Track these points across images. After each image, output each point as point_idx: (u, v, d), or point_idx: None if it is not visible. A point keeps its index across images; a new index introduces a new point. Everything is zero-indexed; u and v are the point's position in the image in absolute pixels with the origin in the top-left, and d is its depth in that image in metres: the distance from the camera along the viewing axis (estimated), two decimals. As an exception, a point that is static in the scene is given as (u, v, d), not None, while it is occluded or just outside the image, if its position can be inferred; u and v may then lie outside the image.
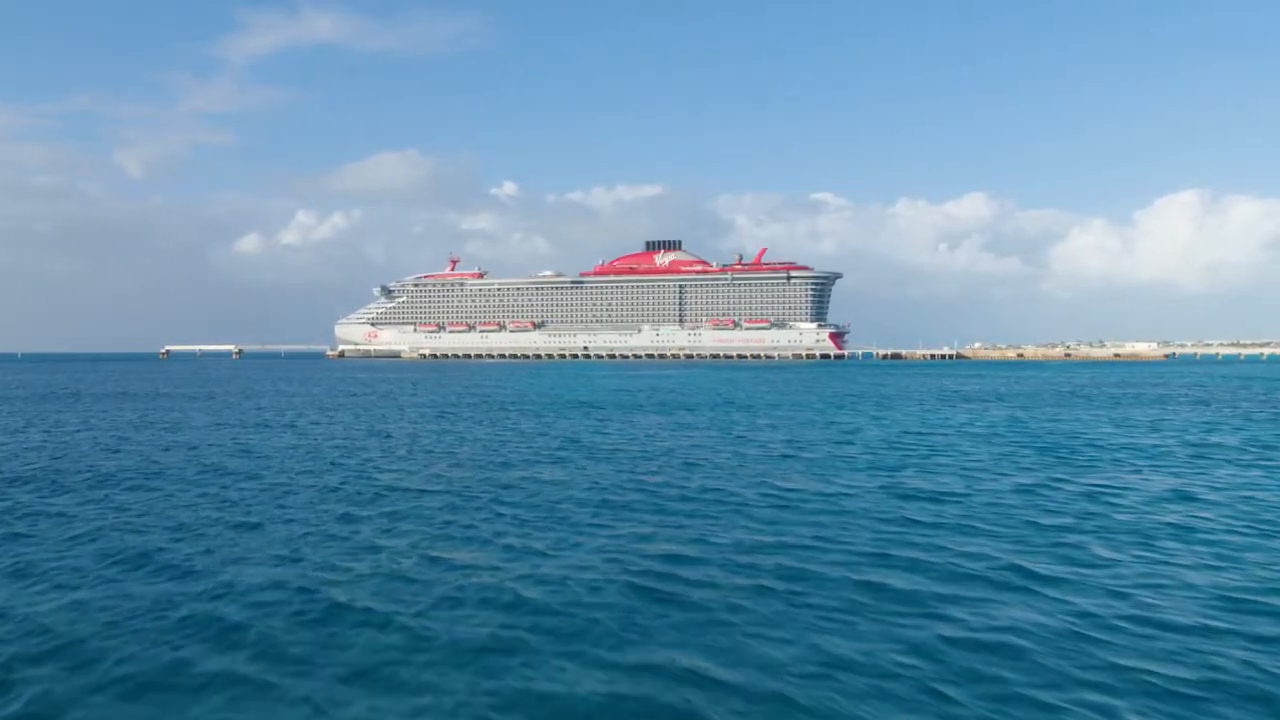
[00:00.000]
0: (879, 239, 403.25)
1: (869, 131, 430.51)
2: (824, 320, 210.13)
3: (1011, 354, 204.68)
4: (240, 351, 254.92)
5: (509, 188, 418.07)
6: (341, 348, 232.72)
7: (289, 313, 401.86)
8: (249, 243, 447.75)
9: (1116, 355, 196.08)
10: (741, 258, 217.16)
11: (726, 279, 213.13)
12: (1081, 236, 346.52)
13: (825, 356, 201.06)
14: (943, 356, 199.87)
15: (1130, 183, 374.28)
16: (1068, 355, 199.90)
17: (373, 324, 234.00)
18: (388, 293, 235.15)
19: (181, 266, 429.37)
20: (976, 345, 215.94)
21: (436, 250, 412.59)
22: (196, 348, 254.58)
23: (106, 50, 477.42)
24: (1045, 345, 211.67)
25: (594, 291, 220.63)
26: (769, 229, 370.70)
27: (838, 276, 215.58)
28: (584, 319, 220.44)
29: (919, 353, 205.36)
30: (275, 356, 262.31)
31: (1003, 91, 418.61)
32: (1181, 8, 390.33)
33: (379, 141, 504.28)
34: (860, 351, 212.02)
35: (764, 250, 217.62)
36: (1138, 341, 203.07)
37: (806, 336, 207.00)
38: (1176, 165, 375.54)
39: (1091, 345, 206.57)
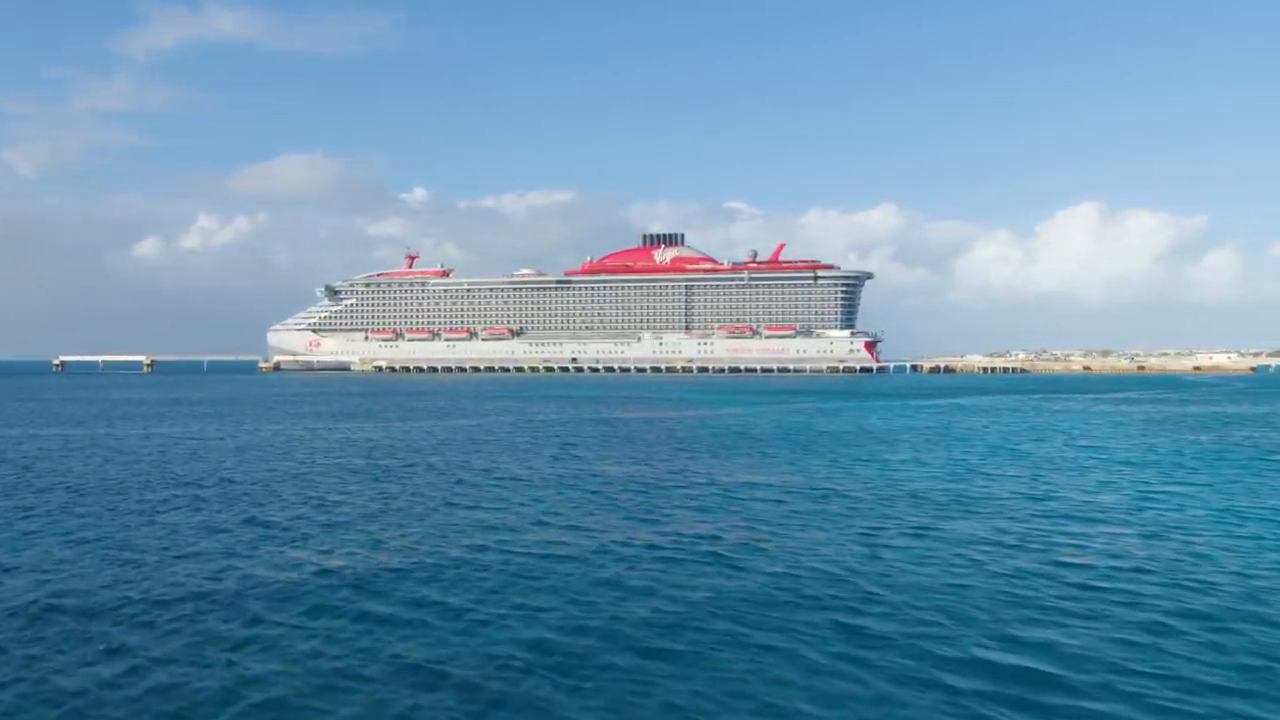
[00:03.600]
0: (790, 249, 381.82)
1: (783, 141, 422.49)
2: (854, 327, 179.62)
3: (1077, 366, 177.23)
4: (153, 363, 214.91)
5: (419, 193, 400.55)
6: (277, 359, 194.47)
7: (212, 320, 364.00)
8: (148, 246, 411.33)
9: (1197, 369, 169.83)
10: (756, 254, 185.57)
11: (741, 279, 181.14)
12: (986, 248, 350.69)
13: (866, 370, 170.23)
14: (1007, 370, 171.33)
15: (1032, 195, 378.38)
16: (1141, 369, 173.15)
17: (315, 330, 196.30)
18: (333, 294, 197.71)
19: (79, 271, 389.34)
20: (1024, 355, 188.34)
21: (346, 256, 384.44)
22: (99, 358, 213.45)
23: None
24: (1113, 355, 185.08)
25: (583, 293, 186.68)
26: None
27: (868, 276, 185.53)
28: (571, 325, 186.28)
29: (973, 364, 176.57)
30: (196, 369, 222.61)
31: (913, 105, 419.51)
32: (1077, 28, 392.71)
33: (284, 143, 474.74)
34: (895, 364, 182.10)
35: (782, 246, 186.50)
36: (1214, 351, 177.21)
37: (838, 346, 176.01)
38: (1076, 179, 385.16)
39: (1167, 356, 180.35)
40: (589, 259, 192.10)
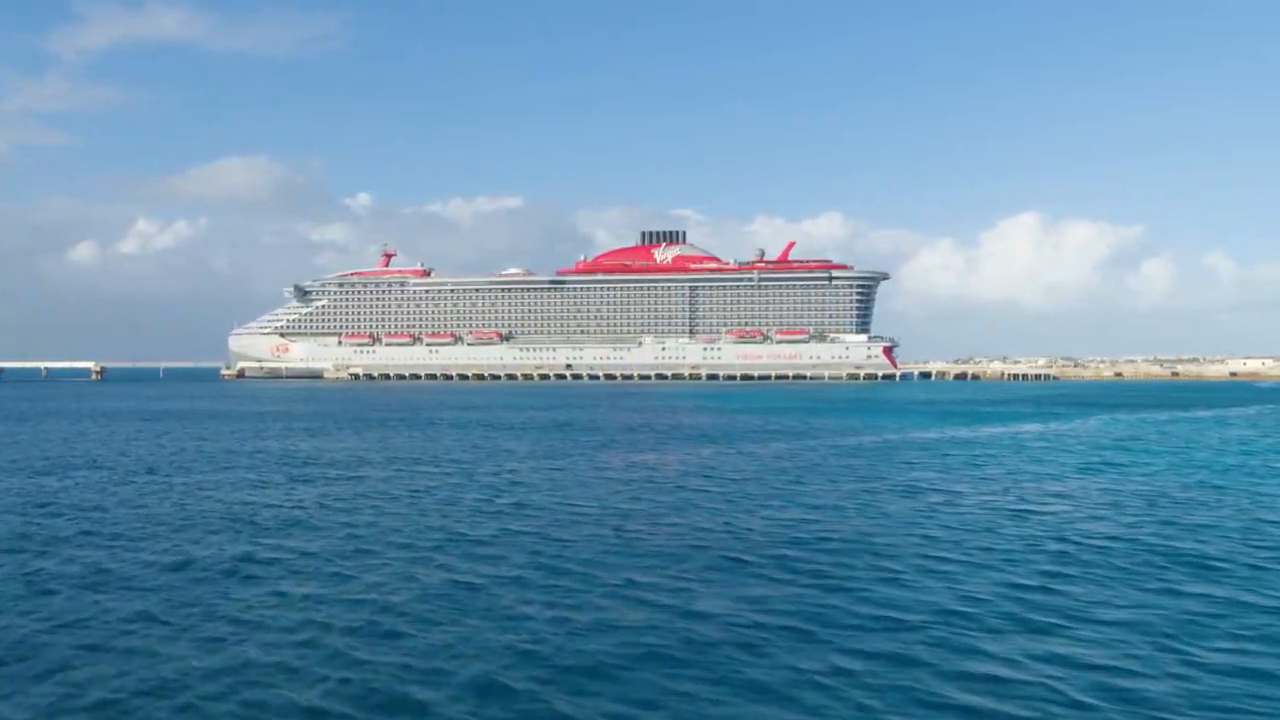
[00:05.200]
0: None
1: (731, 149, 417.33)
2: (869, 331, 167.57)
3: (1108, 372, 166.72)
4: (103, 370, 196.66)
5: (363, 198, 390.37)
6: (240, 365, 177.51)
7: (161, 325, 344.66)
8: (84, 251, 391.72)
9: (1233, 375, 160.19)
10: (764, 253, 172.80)
11: (750, 280, 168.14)
12: (930, 256, 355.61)
13: (888, 377, 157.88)
14: (1035, 377, 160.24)
15: (975, 204, 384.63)
16: (1175, 375, 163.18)
17: (282, 334, 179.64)
18: (302, 294, 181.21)
19: (10, 275, 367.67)
20: (1044, 360, 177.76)
21: (288, 262, 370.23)
22: (42, 365, 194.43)
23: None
24: (1143, 360, 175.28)
25: (578, 294, 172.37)
26: (630, 244, 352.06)
27: (884, 277, 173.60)
28: (565, 329, 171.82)
29: (995, 371, 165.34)
30: (151, 376, 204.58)
31: (859, 112, 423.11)
32: (1017, 41, 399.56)
33: (226, 146, 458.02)
34: (918, 370, 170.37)
35: (791, 245, 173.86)
36: (1249, 357, 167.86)
37: (855, 352, 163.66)
38: (1017, 188, 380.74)
39: (1201, 361, 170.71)
40: (583, 258, 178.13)
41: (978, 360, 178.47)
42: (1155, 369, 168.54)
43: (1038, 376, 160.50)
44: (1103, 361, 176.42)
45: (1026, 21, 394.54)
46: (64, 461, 32.28)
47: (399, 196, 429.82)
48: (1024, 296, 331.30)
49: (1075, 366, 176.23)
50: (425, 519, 20.25)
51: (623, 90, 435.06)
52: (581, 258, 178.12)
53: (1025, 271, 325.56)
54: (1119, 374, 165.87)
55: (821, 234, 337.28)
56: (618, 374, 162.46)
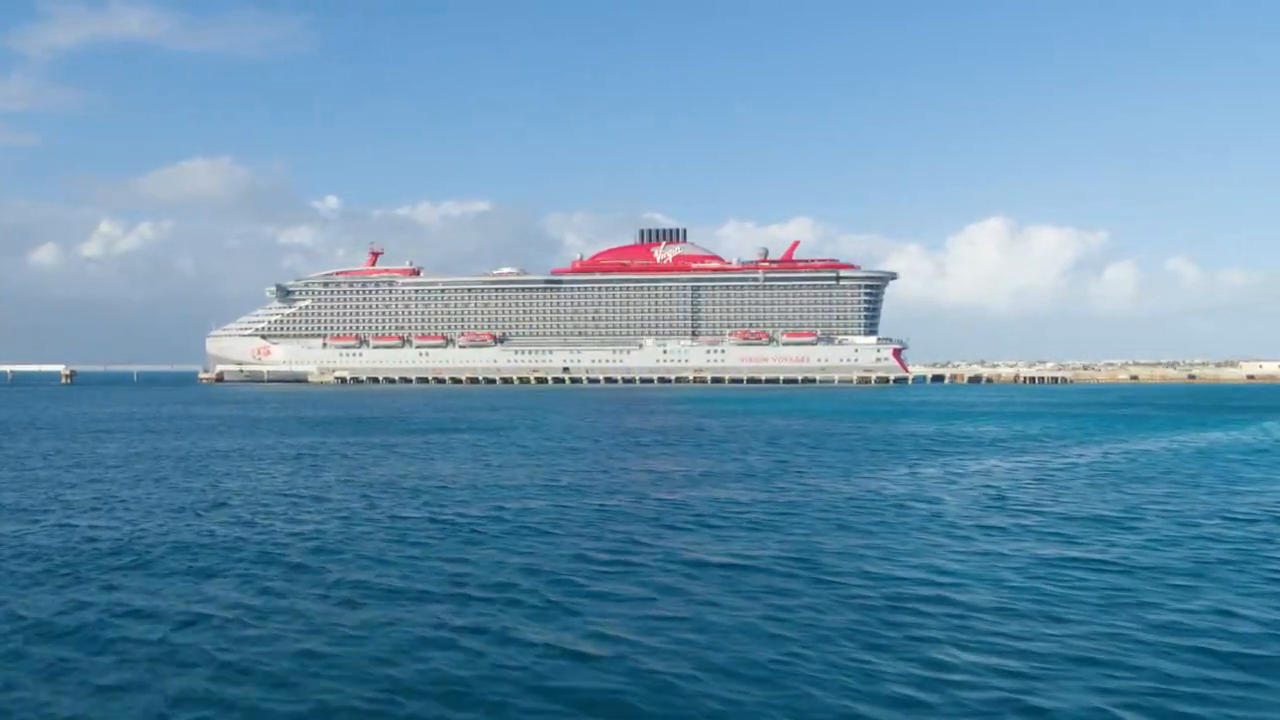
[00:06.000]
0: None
1: (700, 153, 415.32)
2: (877, 332, 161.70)
3: (1123, 375, 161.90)
4: (73, 374, 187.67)
5: (331, 201, 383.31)
6: (220, 369, 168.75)
7: (136, 327, 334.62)
8: (46, 253, 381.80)
9: (1251, 378, 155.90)
10: (767, 253, 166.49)
11: (755, 280, 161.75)
12: (899, 261, 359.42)
13: (900, 380, 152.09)
14: (1054, 380, 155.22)
15: (943, 209, 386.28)
16: (1192, 378, 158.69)
17: (264, 336, 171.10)
18: (285, 294, 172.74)
19: None
20: (1052, 364, 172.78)
21: (254, 265, 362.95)
22: (8, 368, 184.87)
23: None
24: (1161, 364, 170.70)
25: (575, 295, 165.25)
26: (599, 247, 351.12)
27: (892, 277, 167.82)
28: (562, 331, 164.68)
29: (1008, 375, 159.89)
30: (124, 381, 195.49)
31: (829, 117, 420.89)
32: (986, 44, 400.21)
33: (192, 148, 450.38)
34: (930, 373, 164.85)
35: (796, 244, 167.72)
36: (1267, 360, 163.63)
37: (864, 354, 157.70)
38: (984, 192, 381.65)
39: (1208, 366, 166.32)
40: (579, 257, 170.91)
41: (993, 363, 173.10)
42: (1170, 372, 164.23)
43: (1055, 379, 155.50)
44: (1116, 365, 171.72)
45: (993, 28, 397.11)
46: None
47: (368, 200, 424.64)
48: (992, 301, 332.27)
49: (1085, 370, 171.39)
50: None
51: (592, 95, 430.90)
52: (578, 256, 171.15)
53: (993, 276, 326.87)
54: (1134, 377, 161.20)
55: (790, 238, 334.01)
56: (618, 377, 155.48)
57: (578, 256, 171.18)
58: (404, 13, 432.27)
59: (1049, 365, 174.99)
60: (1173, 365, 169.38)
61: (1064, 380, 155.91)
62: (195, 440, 41.36)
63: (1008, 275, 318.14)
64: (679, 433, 46.31)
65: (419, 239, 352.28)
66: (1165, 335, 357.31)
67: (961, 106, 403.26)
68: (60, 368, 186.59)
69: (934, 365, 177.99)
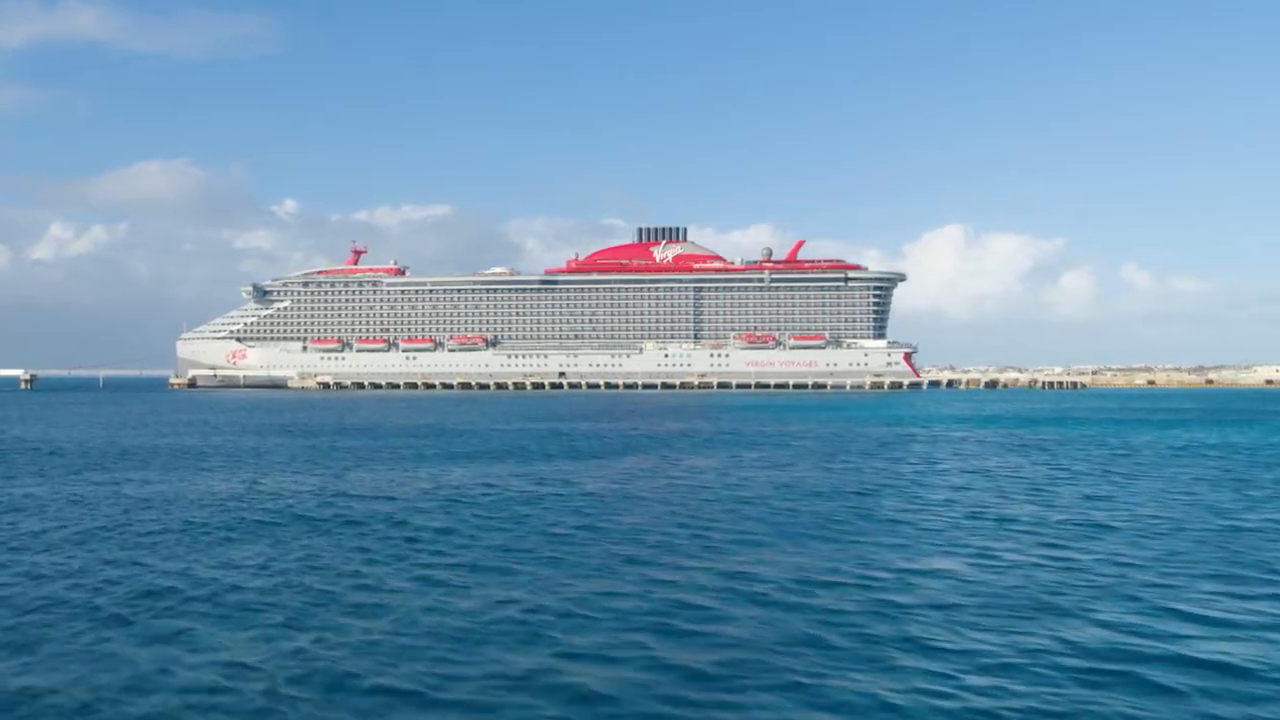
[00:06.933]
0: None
1: (658, 160, 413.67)
2: (886, 335, 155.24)
3: (1141, 380, 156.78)
4: (33, 378, 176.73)
5: (290, 205, 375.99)
6: (192, 373, 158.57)
7: (98, 331, 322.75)
8: None
9: (1269, 383, 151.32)
10: (771, 253, 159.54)
11: (760, 281, 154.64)
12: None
13: (915, 385, 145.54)
14: (1072, 385, 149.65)
15: (902, 216, 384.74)
16: (1209, 383, 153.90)
17: (239, 339, 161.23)
18: (262, 295, 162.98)
19: None
20: (1059, 369, 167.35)
21: (211, 268, 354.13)
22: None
23: None
24: (1180, 368, 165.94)
25: (571, 296, 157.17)
26: (561, 252, 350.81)
27: (901, 278, 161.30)
28: (558, 334, 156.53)
29: (1021, 380, 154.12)
30: (89, 386, 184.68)
31: (789, 124, 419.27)
32: (941, 52, 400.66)
33: (146, 149, 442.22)
34: (946, 378, 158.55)
35: (801, 244, 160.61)
36: (1271, 365, 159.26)
37: (874, 358, 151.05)
38: (942, 200, 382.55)
39: (1223, 369, 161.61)
40: (575, 256, 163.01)
41: (1007, 369, 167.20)
42: (1187, 377, 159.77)
43: (1074, 384, 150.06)
44: (1138, 369, 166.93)
45: (948, 37, 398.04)
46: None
47: (326, 203, 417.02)
48: (950, 307, 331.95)
49: (1093, 374, 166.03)
50: None
51: (552, 102, 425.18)
52: (574, 255, 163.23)
53: (950, 282, 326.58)
54: (1150, 382, 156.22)
55: (750, 245, 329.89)
56: (619, 383, 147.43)
57: (573, 255, 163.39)
58: (366, 15, 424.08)
59: (1057, 370, 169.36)
60: (1189, 370, 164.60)
61: (1081, 386, 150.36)
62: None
63: (966, 282, 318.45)
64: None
65: (376, 243, 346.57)
66: (1122, 341, 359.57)
67: (920, 115, 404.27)
68: (19, 372, 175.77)
69: (945, 369, 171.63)
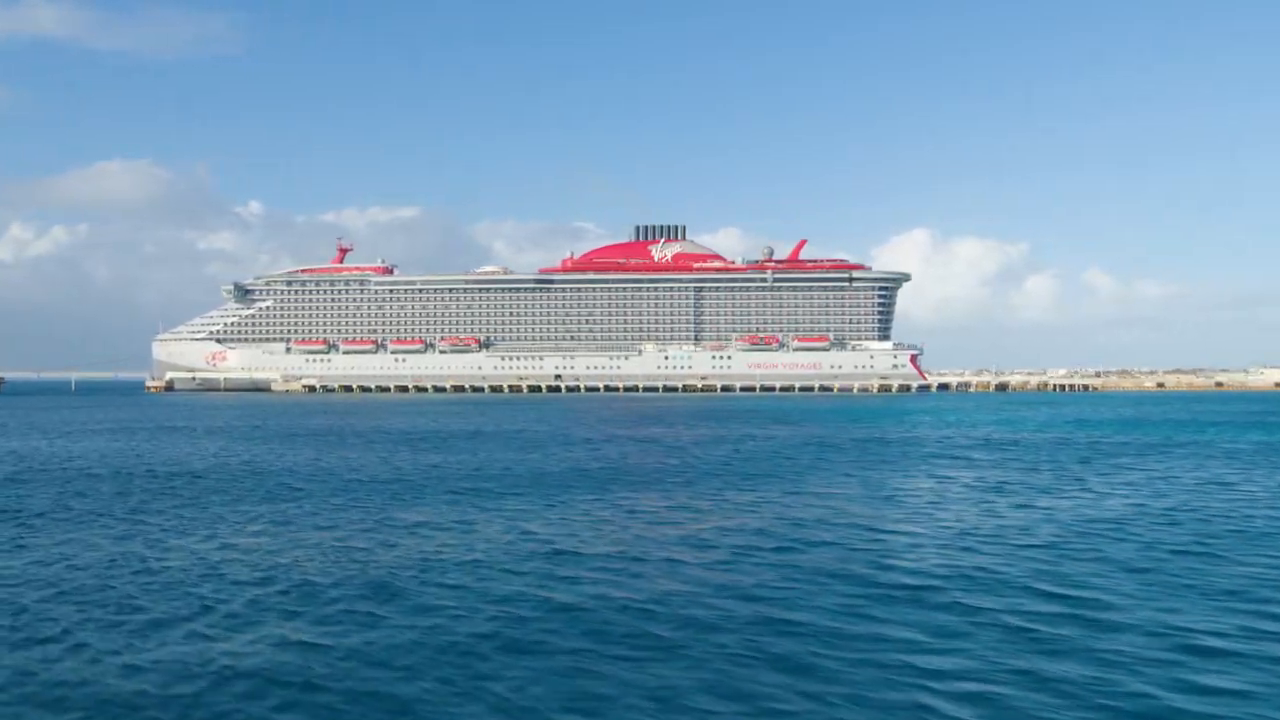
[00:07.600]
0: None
1: (626, 162, 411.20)
2: (891, 337, 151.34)
3: (1150, 383, 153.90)
4: (2, 381, 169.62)
5: (254, 206, 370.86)
6: (170, 376, 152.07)
7: (61, 333, 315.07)
8: None
9: (1278, 385, 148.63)
10: (773, 252, 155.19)
11: (763, 280, 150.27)
12: None
13: (922, 388, 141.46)
14: (1084, 388, 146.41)
15: (869, 220, 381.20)
16: (1219, 385, 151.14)
17: (219, 340, 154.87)
18: (243, 294, 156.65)
19: None
20: (1064, 371, 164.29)
21: (174, 270, 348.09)
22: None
23: None
24: (1187, 371, 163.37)
25: (568, 296, 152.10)
26: (531, 255, 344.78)
27: (905, 278, 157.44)
28: (554, 335, 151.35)
29: (1028, 383, 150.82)
30: (60, 389, 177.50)
31: (755, 128, 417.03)
32: (909, 55, 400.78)
33: (109, 149, 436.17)
34: (956, 380, 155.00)
35: (803, 243, 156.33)
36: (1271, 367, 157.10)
37: (880, 360, 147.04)
38: (909, 204, 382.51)
39: (1230, 372, 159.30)
40: (570, 255, 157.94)
41: (1014, 371, 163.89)
42: (1196, 380, 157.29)
43: (1085, 387, 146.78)
44: (1145, 372, 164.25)
45: (914, 42, 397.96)
46: None
47: (292, 204, 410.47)
48: (916, 311, 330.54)
49: (1098, 376, 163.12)
50: None
51: (520, 103, 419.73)
52: (569, 254, 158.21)
53: (917, 286, 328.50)
54: (1160, 385, 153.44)
55: (720, 248, 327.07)
56: (618, 385, 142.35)
57: (568, 254, 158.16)
58: (333, 16, 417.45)
59: (1062, 372, 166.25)
60: (1198, 373, 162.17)
61: (1091, 388, 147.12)
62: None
63: (931, 286, 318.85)
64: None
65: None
66: (1085, 345, 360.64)
67: (887, 120, 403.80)
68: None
69: (948, 373, 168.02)
